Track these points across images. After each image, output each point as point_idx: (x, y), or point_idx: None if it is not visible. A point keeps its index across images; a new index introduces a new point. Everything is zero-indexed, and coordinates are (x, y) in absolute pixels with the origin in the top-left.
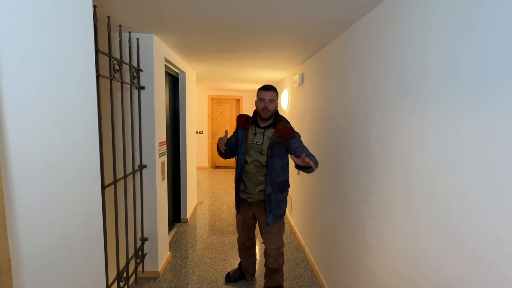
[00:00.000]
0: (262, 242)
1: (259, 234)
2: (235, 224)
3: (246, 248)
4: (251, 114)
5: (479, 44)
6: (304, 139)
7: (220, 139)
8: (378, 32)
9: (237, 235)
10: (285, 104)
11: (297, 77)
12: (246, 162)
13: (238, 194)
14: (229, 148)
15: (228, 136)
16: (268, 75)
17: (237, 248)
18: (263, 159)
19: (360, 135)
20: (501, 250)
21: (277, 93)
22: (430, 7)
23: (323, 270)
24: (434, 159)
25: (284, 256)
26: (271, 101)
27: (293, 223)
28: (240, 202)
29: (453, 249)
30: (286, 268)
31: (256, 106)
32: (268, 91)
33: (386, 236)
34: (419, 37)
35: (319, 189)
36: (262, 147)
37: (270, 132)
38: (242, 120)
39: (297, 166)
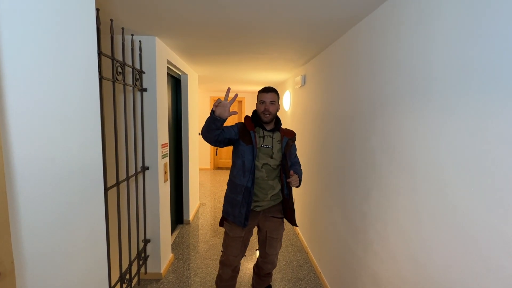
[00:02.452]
0: (256, 250)
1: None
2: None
3: (234, 277)
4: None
5: (487, 43)
6: (306, 140)
7: (222, 103)
8: (382, 32)
9: (223, 266)
10: (287, 105)
11: (299, 78)
12: (256, 167)
13: (249, 204)
14: (225, 133)
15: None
16: (270, 77)
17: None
18: (273, 162)
19: (363, 136)
20: (508, 253)
21: (278, 95)
22: (435, 6)
23: (326, 272)
24: (441, 161)
25: (287, 258)
26: (272, 103)
27: None
28: (248, 216)
29: (460, 251)
30: (289, 270)
31: (257, 109)
32: (269, 93)
33: (390, 238)
34: (424, 37)
35: (322, 191)
36: (273, 150)
37: (277, 135)
38: (251, 122)
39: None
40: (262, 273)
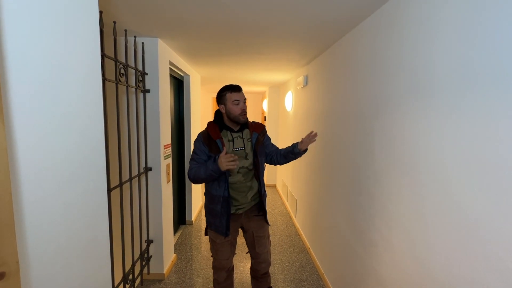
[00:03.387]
0: (247, 253)
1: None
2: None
3: (230, 276)
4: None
5: (490, 43)
6: None
7: (228, 157)
8: (385, 32)
9: (216, 270)
10: (289, 105)
11: (301, 78)
12: (230, 174)
13: (228, 214)
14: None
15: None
16: (272, 77)
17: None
18: (248, 163)
19: (366, 136)
20: None
21: None
22: (438, 5)
23: (328, 273)
24: (445, 160)
25: (290, 259)
26: (244, 102)
27: (298, 225)
28: (229, 225)
29: (465, 252)
30: (291, 271)
31: (229, 111)
32: (241, 91)
33: (393, 239)
34: (427, 36)
35: (324, 191)
36: (246, 151)
37: (246, 133)
38: (216, 128)
39: (297, 154)
40: (259, 275)
